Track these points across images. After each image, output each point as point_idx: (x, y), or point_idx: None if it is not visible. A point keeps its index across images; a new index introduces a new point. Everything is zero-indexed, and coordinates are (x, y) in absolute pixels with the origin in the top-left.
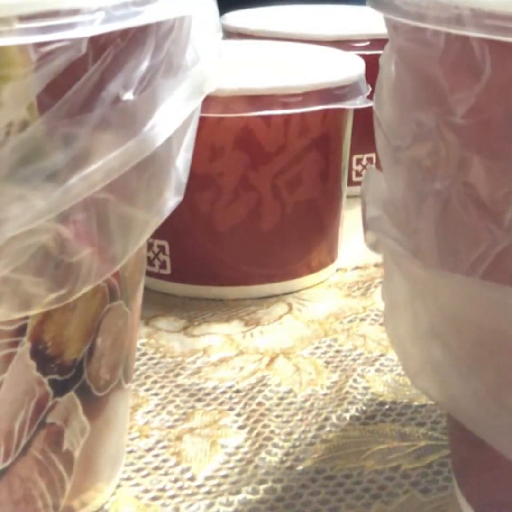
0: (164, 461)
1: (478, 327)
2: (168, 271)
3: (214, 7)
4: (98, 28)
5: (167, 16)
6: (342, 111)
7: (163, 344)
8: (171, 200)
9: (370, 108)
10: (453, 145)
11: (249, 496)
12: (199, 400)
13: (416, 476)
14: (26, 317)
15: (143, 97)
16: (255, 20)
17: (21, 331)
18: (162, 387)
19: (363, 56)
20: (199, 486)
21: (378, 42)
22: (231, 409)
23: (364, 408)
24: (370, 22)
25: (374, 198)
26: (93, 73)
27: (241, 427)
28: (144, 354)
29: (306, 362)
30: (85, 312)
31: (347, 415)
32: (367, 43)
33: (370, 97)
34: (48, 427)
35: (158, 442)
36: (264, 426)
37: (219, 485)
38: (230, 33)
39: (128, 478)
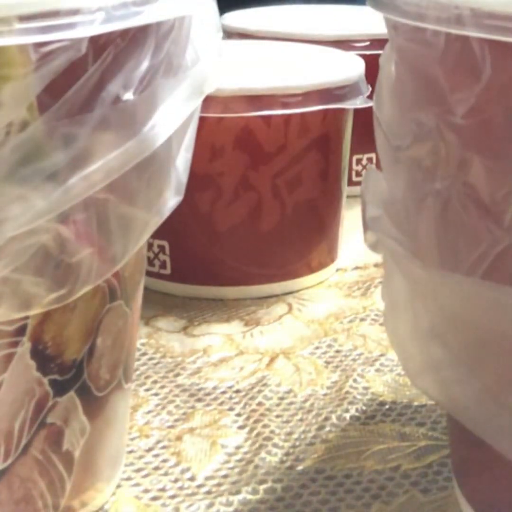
0: (164, 461)
1: (478, 327)
2: (168, 271)
3: (214, 7)
4: (98, 28)
5: (167, 16)
6: (342, 111)
7: (163, 344)
8: (171, 200)
9: (370, 108)
10: (453, 145)
11: (249, 496)
12: (199, 400)
13: (416, 476)
14: (26, 317)
15: (143, 97)
16: (255, 20)
17: (21, 331)
18: (162, 387)
19: (363, 56)
20: (199, 486)
21: (378, 42)
22: (231, 409)
23: (364, 408)
24: (370, 22)
25: (374, 198)
26: (93, 73)
27: (241, 427)
28: (144, 354)
29: (306, 362)
30: (85, 312)
31: (347, 415)
32: (367, 43)
33: (370, 97)
34: (48, 427)
35: (158, 442)
36: (264, 426)
37: (219, 485)
38: (230, 33)
39: (128, 478)
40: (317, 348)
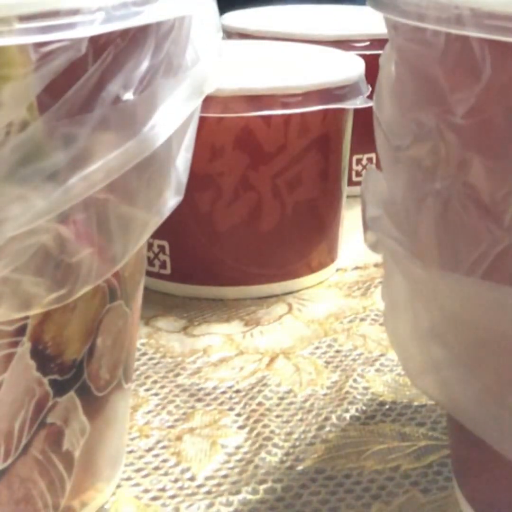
0: (164, 461)
1: (478, 327)
2: (168, 271)
3: (214, 7)
4: (98, 28)
5: (167, 16)
6: (342, 111)
7: (163, 344)
8: (171, 200)
9: (370, 108)
10: (453, 145)
11: (249, 496)
12: (199, 400)
13: (416, 476)
14: (26, 317)
15: (143, 97)
16: (255, 20)
17: (21, 331)
18: (162, 387)
19: (363, 56)
20: (199, 486)
21: (378, 42)
22: (231, 409)
23: (364, 408)
24: (370, 22)
25: (374, 198)
26: (93, 73)
27: (241, 427)
28: (144, 354)
29: (306, 362)
30: (85, 312)
31: (347, 415)
32: (367, 43)
33: (370, 97)
34: (48, 427)
35: (158, 442)
36: (264, 426)
37: (219, 485)
38: (230, 33)
39: (128, 478)
40: (317, 348)
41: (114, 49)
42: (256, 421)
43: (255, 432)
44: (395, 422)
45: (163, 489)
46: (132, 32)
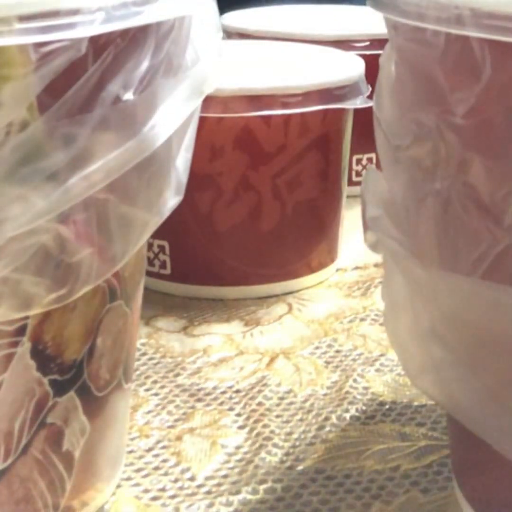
0: (164, 461)
1: (478, 327)
2: (168, 271)
3: (214, 7)
4: (98, 28)
5: (167, 16)
6: (342, 111)
7: (163, 344)
8: (171, 200)
9: (370, 108)
10: (453, 145)
11: (249, 496)
12: (199, 400)
13: (416, 476)
14: (26, 317)
15: (143, 97)
16: (255, 20)
17: (21, 331)
18: (162, 387)
19: (363, 56)
20: (199, 486)
21: (378, 42)
22: (231, 409)
23: (364, 408)
24: (370, 22)
25: (374, 198)
26: (93, 73)
27: (241, 427)
28: (144, 354)
29: (306, 362)
30: (85, 312)
31: (347, 415)
32: (367, 43)
33: (370, 97)
34: (48, 427)
35: (158, 442)
36: (264, 426)
37: (219, 485)
38: (230, 33)
39: (128, 478)
40: (317, 348)
41: (114, 49)
42: (256, 421)
43: (255, 432)
44: (395, 422)
45: (163, 489)
46: (132, 32)
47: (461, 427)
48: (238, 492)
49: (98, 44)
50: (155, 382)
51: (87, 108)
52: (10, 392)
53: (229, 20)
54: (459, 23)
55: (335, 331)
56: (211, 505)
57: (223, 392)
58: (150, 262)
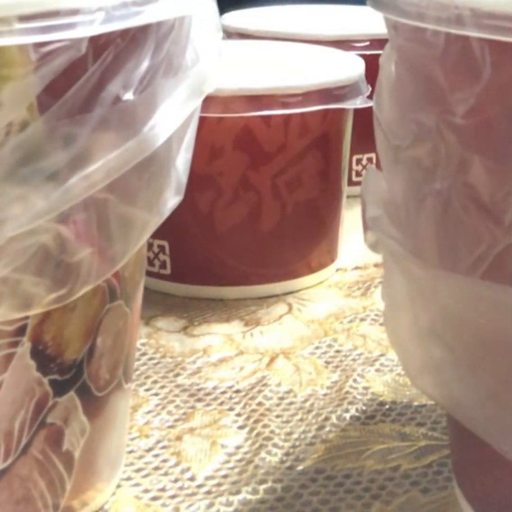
0: (164, 461)
1: (478, 327)
2: (168, 271)
3: (214, 7)
4: (98, 28)
5: (167, 16)
6: (342, 111)
7: (163, 344)
8: (171, 200)
9: (370, 108)
10: (453, 145)
11: (249, 496)
12: (199, 400)
13: (416, 476)
14: (26, 317)
15: (143, 97)
16: (255, 20)
17: (21, 331)
18: (162, 387)
19: (363, 56)
20: (199, 486)
21: (378, 42)
22: (231, 409)
23: (364, 408)
24: (370, 22)
25: (374, 198)
26: (93, 73)
27: (241, 427)
28: (144, 354)
29: (306, 362)
30: (85, 312)
31: (347, 415)
32: (367, 43)
33: (370, 97)
34: (48, 427)
35: (158, 442)
36: (264, 426)
37: (219, 485)
38: (230, 33)
39: (128, 478)
40: (317, 348)
41: (114, 49)
42: (256, 421)
43: (255, 432)
44: (395, 422)
45: (163, 489)
46: (132, 32)
47: (461, 427)
48: (238, 492)
49: (98, 44)
50: (155, 382)
51: (87, 108)
52: (10, 392)
53: (229, 20)
54: (459, 23)
55: (335, 331)
56: (211, 505)
57: (223, 392)
58: (150, 262)
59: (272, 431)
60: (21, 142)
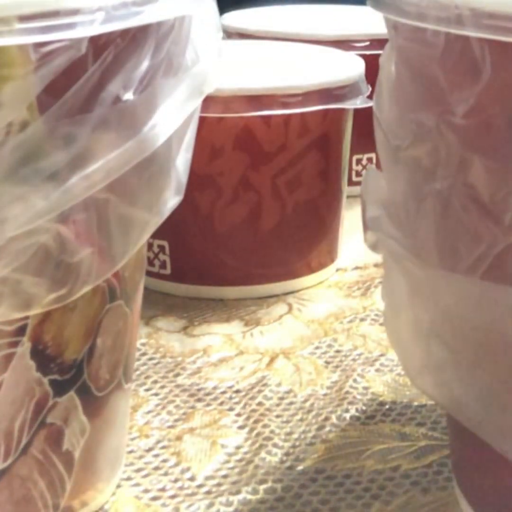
0: (164, 461)
1: (478, 327)
2: (168, 271)
3: (214, 7)
4: (98, 28)
5: (167, 16)
6: (342, 111)
7: (163, 344)
8: (171, 200)
9: (370, 108)
10: (453, 145)
11: (249, 496)
12: (199, 400)
13: (416, 476)
14: (26, 317)
15: (143, 97)
16: (255, 20)
17: (21, 331)
18: (162, 387)
19: (363, 56)
20: (199, 486)
21: (378, 42)
22: (231, 409)
23: (364, 408)
24: (370, 22)
25: (374, 198)
26: (93, 73)
27: (241, 427)
28: (144, 354)
29: (306, 362)
30: (85, 312)
31: (347, 415)
32: (367, 43)
33: (370, 97)
34: (48, 427)
35: (158, 442)
36: (264, 426)
37: (219, 485)
38: (230, 33)
39: (128, 478)
40: (317, 348)
41: (114, 49)
42: (256, 421)
43: (255, 432)
44: (395, 422)
45: (163, 489)
46: (132, 32)
47: (461, 427)
48: (238, 492)
49: (98, 44)
50: (155, 382)
51: (87, 108)
52: (10, 392)
53: (229, 20)
54: (459, 23)
55: (335, 331)
56: (211, 505)
57: (223, 392)
58: (150, 262)
59: (272, 431)
60: (21, 142)
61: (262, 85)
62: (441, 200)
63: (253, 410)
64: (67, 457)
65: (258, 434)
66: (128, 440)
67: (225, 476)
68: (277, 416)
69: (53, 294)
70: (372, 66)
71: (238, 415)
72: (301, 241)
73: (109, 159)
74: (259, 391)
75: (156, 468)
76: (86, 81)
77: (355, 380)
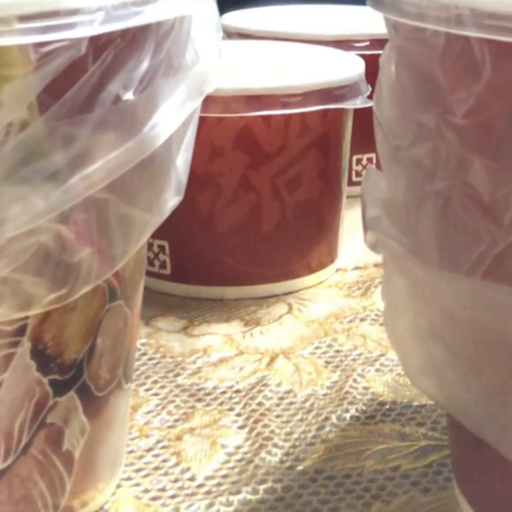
0: (164, 461)
1: (478, 327)
2: (168, 271)
3: (214, 7)
4: (98, 28)
5: (167, 16)
6: (342, 111)
7: (163, 344)
8: (171, 200)
9: (370, 108)
10: (453, 145)
11: (249, 496)
12: (199, 400)
13: (416, 476)
14: (26, 317)
15: (143, 97)
16: (255, 20)
17: (21, 331)
18: (162, 387)
19: (363, 56)
20: (199, 486)
21: (378, 42)
22: (231, 409)
23: (364, 408)
24: (370, 22)
25: (374, 198)
26: (93, 73)
27: (241, 427)
28: (144, 354)
29: (306, 362)
30: (85, 312)
31: (347, 415)
32: (367, 43)
33: (370, 97)
34: (48, 427)
35: (158, 442)
36: (264, 426)
37: (219, 485)
38: (230, 33)
39: (128, 478)
40: (317, 348)
41: (114, 49)
42: (256, 421)
43: (255, 432)
44: (395, 422)
45: (163, 489)
46: (132, 32)
47: (461, 427)
48: (238, 492)
49: (98, 44)
50: (155, 382)
51: (87, 108)
52: (10, 392)
53: (229, 20)
54: (459, 23)
55: (335, 331)
56: (211, 505)
57: (223, 392)
58: (150, 262)
59: (272, 431)
60: (21, 142)
61: (262, 85)
62: (441, 200)
63: (253, 410)
64: (67, 457)
65: (258, 434)
66: (128, 440)
67: (225, 476)
68: (277, 416)
69: (53, 294)
70: (372, 66)
71: (238, 415)
72: (301, 241)
73: (109, 159)
74: (259, 391)
75: (156, 468)
76: (86, 81)
77: (355, 380)
